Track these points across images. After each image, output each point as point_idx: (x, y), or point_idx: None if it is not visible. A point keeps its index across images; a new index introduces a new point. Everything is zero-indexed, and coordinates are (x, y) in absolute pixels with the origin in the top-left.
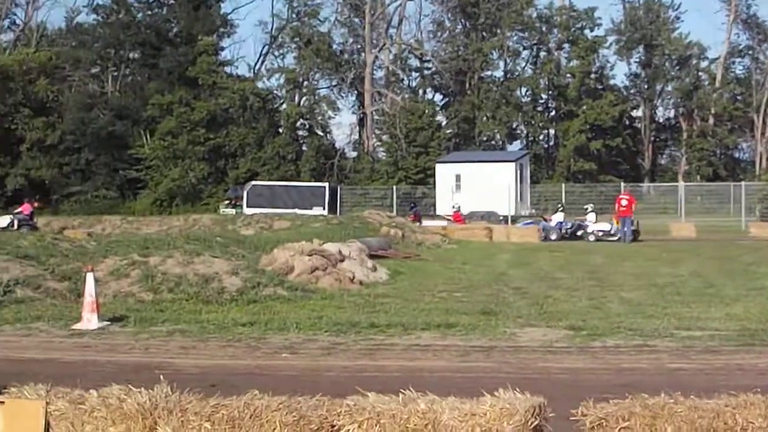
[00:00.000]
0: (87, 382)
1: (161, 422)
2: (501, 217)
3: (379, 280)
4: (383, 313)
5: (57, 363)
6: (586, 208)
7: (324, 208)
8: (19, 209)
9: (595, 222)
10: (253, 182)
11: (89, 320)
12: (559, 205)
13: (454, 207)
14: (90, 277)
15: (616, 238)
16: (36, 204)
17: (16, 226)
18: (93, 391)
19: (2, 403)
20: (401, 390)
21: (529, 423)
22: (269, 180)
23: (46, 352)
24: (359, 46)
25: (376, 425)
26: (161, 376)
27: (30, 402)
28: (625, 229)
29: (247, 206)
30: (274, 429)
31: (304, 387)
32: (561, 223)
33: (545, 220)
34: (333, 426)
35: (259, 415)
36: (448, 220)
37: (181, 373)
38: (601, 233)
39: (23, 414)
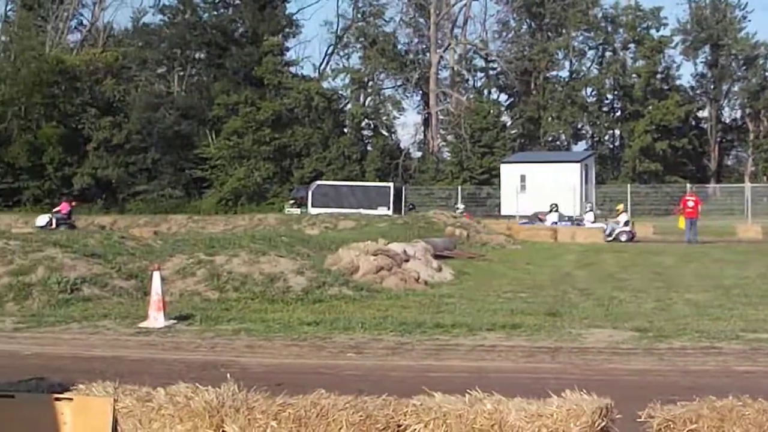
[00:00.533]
0: (154, 380)
1: (228, 420)
2: (566, 218)
3: (443, 280)
4: (448, 314)
5: (124, 361)
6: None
7: (389, 208)
8: (58, 208)
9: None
10: (318, 182)
11: (156, 318)
12: (553, 205)
13: (459, 209)
14: (157, 276)
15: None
16: (74, 203)
17: (54, 225)
18: (160, 389)
19: (71, 399)
20: (467, 390)
21: (596, 424)
22: (334, 180)
23: (112, 350)
24: (424, 46)
25: (442, 425)
26: (228, 375)
27: (98, 399)
28: (692, 230)
29: (312, 206)
30: (341, 428)
31: (370, 386)
32: (556, 222)
33: (540, 219)
34: (399, 425)
35: (326, 414)
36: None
37: (247, 372)
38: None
39: (91, 411)
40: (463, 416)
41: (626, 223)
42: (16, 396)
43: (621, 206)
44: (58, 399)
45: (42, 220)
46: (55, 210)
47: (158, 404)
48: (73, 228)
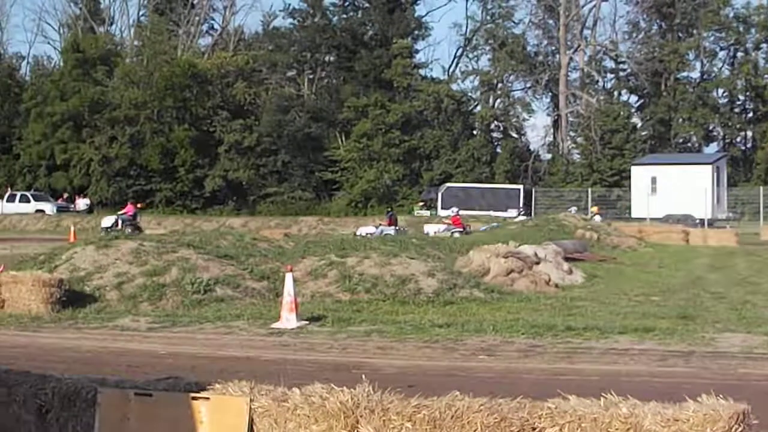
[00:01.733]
0: (286, 381)
1: (363, 421)
2: (697, 221)
3: (574, 282)
4: (579, 317)
5: (257, 361)
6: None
7: (519, 210)
8: (124, 210)
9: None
10: (448, 184)
11: (288, 319)
12: (522, 208)
13: (452, 211)
14: (289, 277)
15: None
16: (139, 206)
17: (120, 226)
18: (296, 389)
19: (207, 399)
20: (601, 394)
21: (733, 430)
22: (464, 182)
23: (246, 350)
24: (554, 48)
25: (577, 429)
26: (362, 376)
27: (234, 398)
28: None
29: (442, 208)
30: (475, 430)
31: (502, 389)
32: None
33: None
34: (534, 428)
35: (461, 416)
36: (448, 223)
37: (379, 373)
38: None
39: (228, 410)
40: (598, 420)
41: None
42: (154, 394)
43: (595, 208)
44: (195, 398)
45: (108, 221)
46: (121, 212)
47: (294, 404)
48: (138, 230)
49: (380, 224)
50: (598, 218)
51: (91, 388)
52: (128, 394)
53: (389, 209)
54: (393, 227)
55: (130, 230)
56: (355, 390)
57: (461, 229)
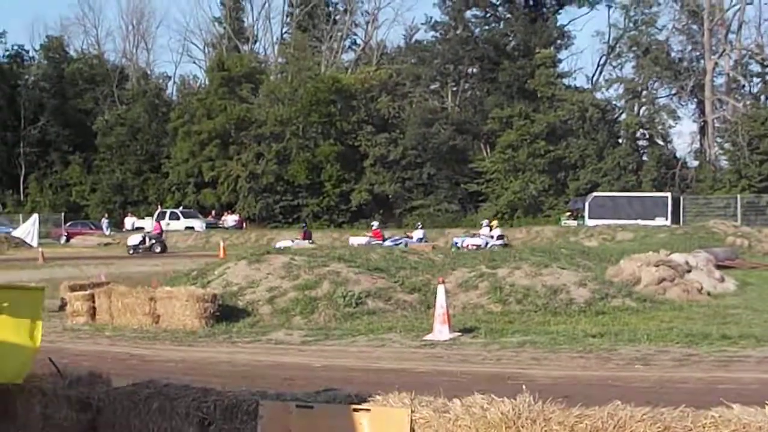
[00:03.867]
0: (443, 392)
1: (524, 431)
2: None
3: (727, 290)
4: (734, 325)
5: (411, 373)
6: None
7: (667, 219)
8: (151, 229)
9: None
10: (595, 193)
11: (441, 331)
12: (419, 223)
13: (373, 225)
14: (441, 289)
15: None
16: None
17: (147, 244)
18: (456, 400)
19: (368, 410)
20: (765, 402)
21: None
22: (610, 191)
23: (399, 363)
24: (698, 53)
25: None
26: (523, 386)
27: (396, 409)
28: None
29: (589, 217)
30: None
31: (659, 398)
32: (421, 238)
33: (408, 236)
34: None
35: (623, 425)
36: (370, 236)
37: (534, 384)
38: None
39: (389, 421)
40: (763, 429)
41: (500, 237)
42: (315, 406)
43: (495, 222)
44: (356, 409)
45: (135, 239)
46: (148, 231)
47: (455, 415)
48: (164, 247)
49: (296, 239)
50: (496, 231)
51: (252, 401)
52: (289, 406)
53: (303, 224)
54: (307, 240)
55: (159, 249)
56: (515, 400)
57: (381, 242)
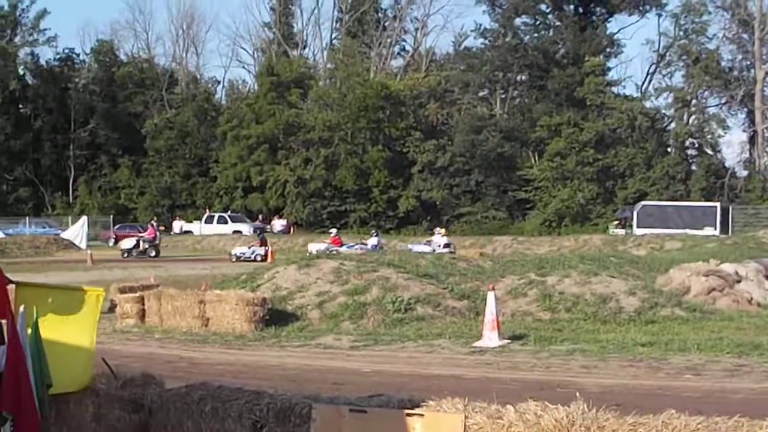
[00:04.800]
0: (491, 400)
1: None
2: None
3: None
4: None
5: (460, 379)
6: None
7: (716, 228)
8: (144, 233)
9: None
10: (644, 202)
11: (490, 338)
12: (374, 231)
13: (331, 233)
14: (491, 296)
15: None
16: (161, 228)
17: (141, 248)
18: (509, 406)
19: (422, 415)
20: None
21: None
22: (658, 200)
23: (449, 369)
24: (749, 63)
25: None
26: (577, 393)
27: (449, 415)
28: None
29: (638, 226)
30: None
31: (711, 408)
32: (375, 246)
33: (363, 243)
34: None
35: None
36: (328, 243)
37: (584, 392)
38: (242, 255)
39: (442, 427)
40: None
41: (446, 245)
42: (368, 411)
43: (444, 230)
44: (409, 414)
45: (129, 243)
46: (140, 235)
47: (508, 421)
48: (157, 251)
49: (252, 245)
50: (443, 239)
51: (305, 404)
52: (342, 410)
53: (259, 230)
54: (263, 247)
55: (153, 253)
56: (569, 407)
57: (338, 248)
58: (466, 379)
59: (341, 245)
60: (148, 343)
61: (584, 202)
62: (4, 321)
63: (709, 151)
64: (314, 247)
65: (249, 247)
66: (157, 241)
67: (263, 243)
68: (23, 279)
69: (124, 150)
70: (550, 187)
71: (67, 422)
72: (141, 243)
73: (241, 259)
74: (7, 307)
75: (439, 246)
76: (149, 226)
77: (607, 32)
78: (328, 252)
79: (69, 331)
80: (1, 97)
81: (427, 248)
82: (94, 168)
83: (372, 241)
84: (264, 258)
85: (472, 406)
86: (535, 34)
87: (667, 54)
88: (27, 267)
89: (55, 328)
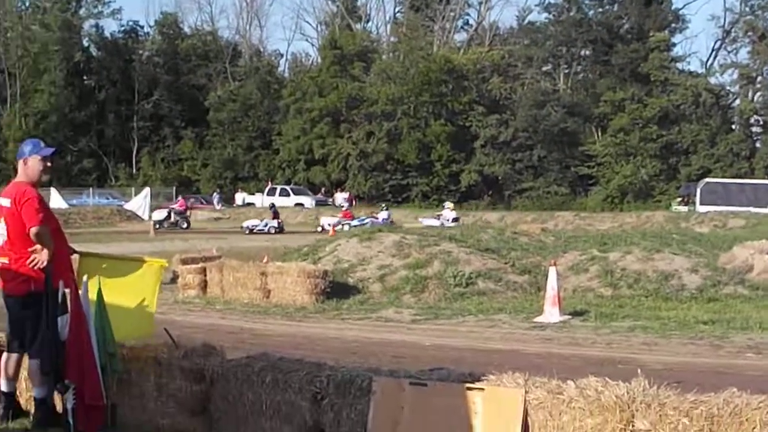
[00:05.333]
0: (551, 375)
1: (639, 415)
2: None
3: None
4: None
5: (520, 354)
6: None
7: None
8: (175, 204)
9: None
10: (707, 179)
11: (551, 313)
12: (383, 205)
13: (343, 207)
14: (553, 271)
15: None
16: (192, 200)
17: (173, 219)
18: (570, 382)
19: (482, 390)
20: None
21: None
22: (722, 177)
23: (509, 344)
24: None
25: None
26: (639, 370)
27: (509, 390)
28: None
29: (701, 204)
30: (754, 428)
31: None
32: (385, 219)
33: (374, 217)
34: None
35: (739, 413)
36: (340, 217)
37: (645, 369)
38: (255, 227)
39: (503, 401)
40: None
41: (455, 219)
42: (428, 384)
43: (452, 205)
44: (469, 388)
45: (160, 214)
46: (172, 206)
47: (569, 397)
48: (188, 223)
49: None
50: (452, 214)
51: (365, 377)
52: (403, 383)
53: (271, 204)
54: (276, 220)
55: (185, 225)
56: (630, 384)
57: (350, 222)
58: (527, 354)
59: (353, 219)
60: (209, 314)
61: (647, 179)
62: (68, 290)
63: None
64: (326, 221)
65: (261, 220)
66: (187, 213)
67: (276, 215)
68: (86, 249)
69: (187, 122)
70: (613, 163)
71: (130, 391)
72: (172, 215)
73: (254, 231)
74: (71, 277)
75: (448, 220)
76: (181, 198)
77: (672, 7)
78: (341, 225)
79: (131, 297)
80: (65, 69)
81: (435, 222)
82: (158, 140)
83: (383, 214)
84: (278, 230)
85: (532, 381)
86: (600, 9)
87: (733, 30)
88: (90, 237)
89: (117, 297)
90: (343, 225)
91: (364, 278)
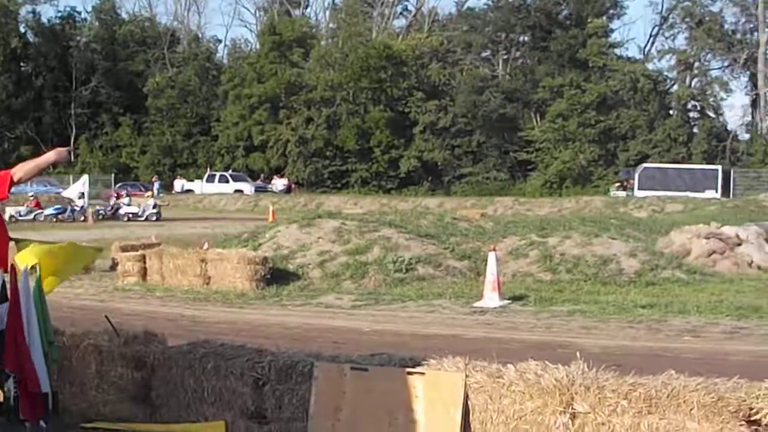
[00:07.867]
0: (491, 359)
1: (578, 398)
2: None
3: None
4: None
5: (460, 339)
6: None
7: (717, 192)
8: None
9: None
10: (645, 165)
11: (491, 298)
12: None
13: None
14: (492, 256)
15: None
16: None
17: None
18: (510, 366)
19: (423, 374)
20: None
21: None
22: (660, 162)
23: (449, 329)
24: (752, 26)
25: None
26: (577, 353)
27: (450, 374)
28: None
29: (639, 189)
30: (692, 409)
31: (709, 370)
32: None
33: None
34: (752, 409)
35: (677, 394)
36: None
37: (584, 353)
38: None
39: (443, 385)
40: None
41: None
42: (369, 369)
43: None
44: (410, 373)
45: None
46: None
47: (509, 380)
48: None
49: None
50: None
51: (307, 362)
52: (344, 368)
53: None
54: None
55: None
56: (569, 367)
57: (40, 211)
58: (467, 338)
59: (41, 209)
60: (149, 301)
61: (585, 164)
62: (7, 278)
63: (711, 114)
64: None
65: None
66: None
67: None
68: (23, 237)
69: (125, 109)
70: (551, 148)
71: (70, 379)
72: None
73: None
74: (9, 265)
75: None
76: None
77: None
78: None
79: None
80: (2, 55)
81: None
82: (96, 126)
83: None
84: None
85: (472, 365)
86: None
87: (670, 16)
88: (27, 226)
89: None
90: (35, 215)
91: (304, 264)
